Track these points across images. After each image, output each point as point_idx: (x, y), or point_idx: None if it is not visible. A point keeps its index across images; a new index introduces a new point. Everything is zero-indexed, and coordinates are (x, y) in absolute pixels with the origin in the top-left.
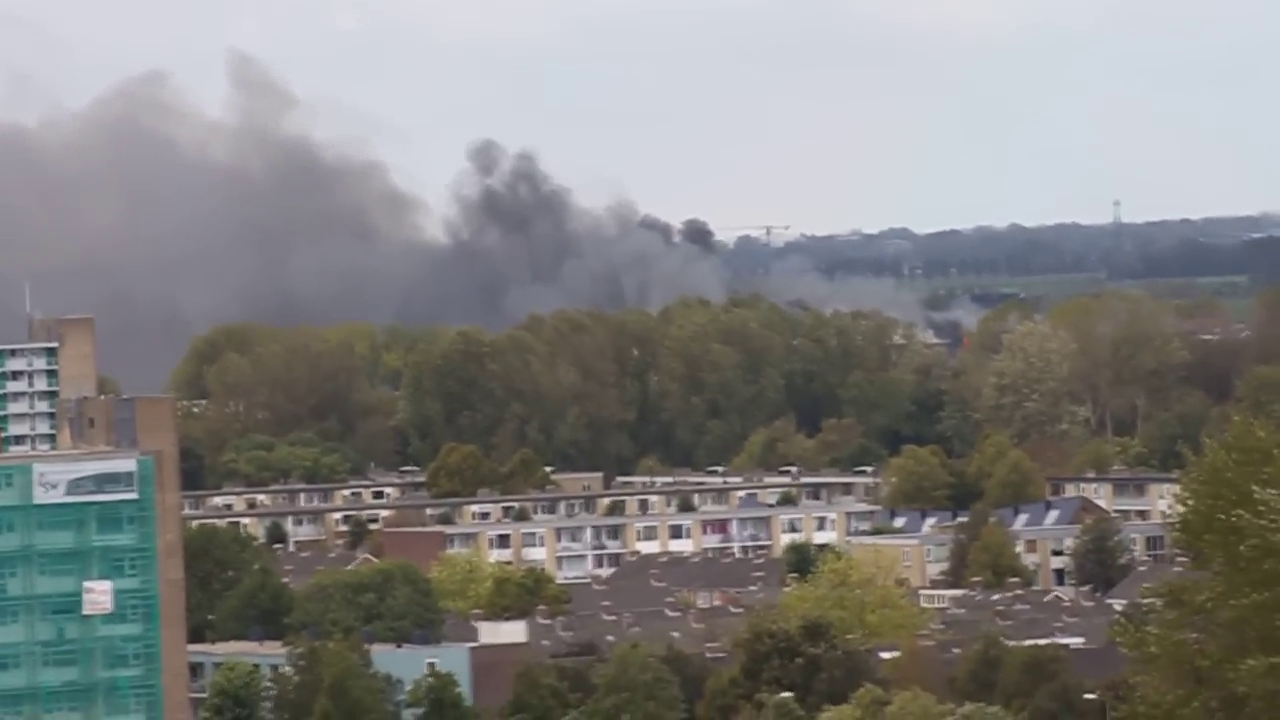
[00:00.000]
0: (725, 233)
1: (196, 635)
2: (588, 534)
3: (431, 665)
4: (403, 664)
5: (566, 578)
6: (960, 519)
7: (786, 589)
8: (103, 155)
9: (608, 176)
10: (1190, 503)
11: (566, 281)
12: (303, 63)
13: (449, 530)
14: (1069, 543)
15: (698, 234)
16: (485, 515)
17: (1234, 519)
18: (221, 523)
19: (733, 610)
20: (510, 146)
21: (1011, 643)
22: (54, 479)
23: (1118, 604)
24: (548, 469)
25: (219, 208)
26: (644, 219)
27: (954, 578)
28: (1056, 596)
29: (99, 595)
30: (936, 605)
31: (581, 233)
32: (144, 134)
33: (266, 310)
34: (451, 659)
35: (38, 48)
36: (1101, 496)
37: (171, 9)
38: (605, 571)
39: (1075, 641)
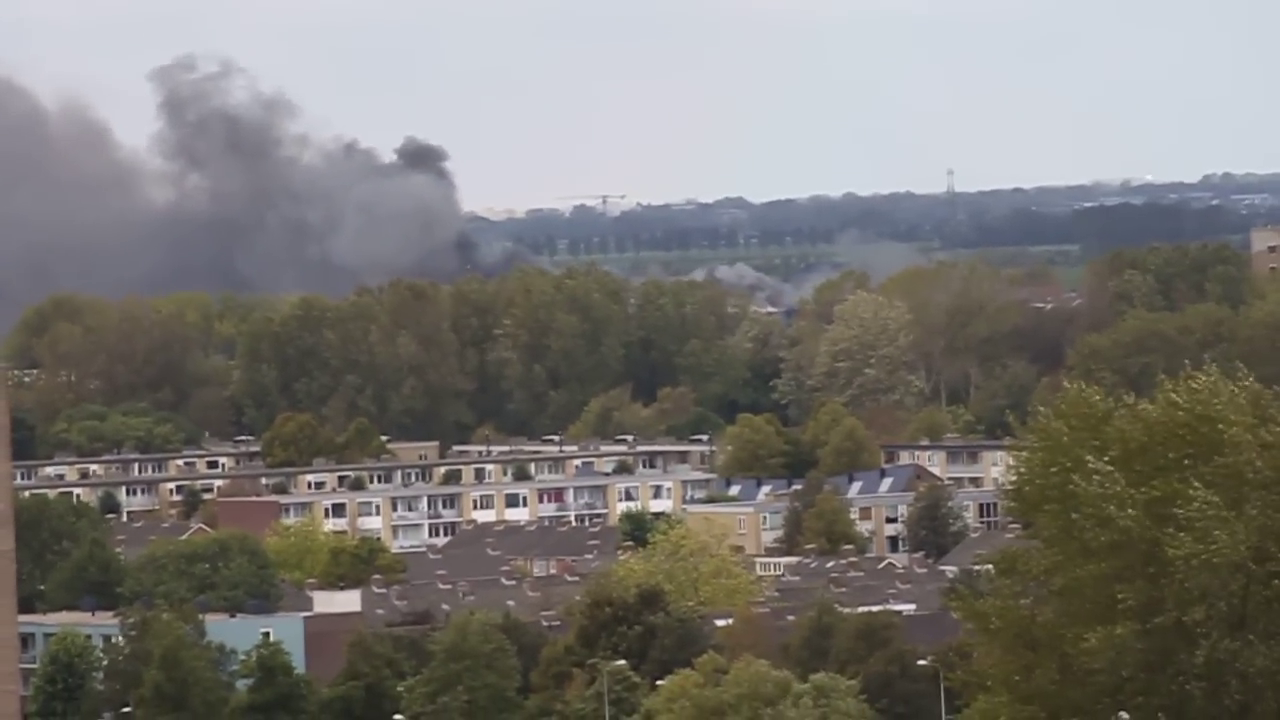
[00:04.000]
0: (562, 202)
1: (27, 606)
2: (423, 503)
3: (266, 635)
4: (237, 634)
5: (402, 547)
6: (795, 487)
7: (622, 557)
8: None
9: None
10: (1024, 470)
11: (274, 229)
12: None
13: (284, 500)
14: (903, 510)
15: (416, 155)
16: (320, 485)
17: (1070, 486)
18: (54, 493)
19: (568, 579)
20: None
21: (846, 609)
22: None
23: (950, 570)
24: (384, 438)
25: None
26: (350, 144)
27: (789, 545)
28: (890, 563)
29: None
30: (771, 573)
31: (291, 166)
32: None
33: None
34: (285, 629)
35: None
36: (935, 464)
37: None
38: (441, 541)
39: (908, 608)
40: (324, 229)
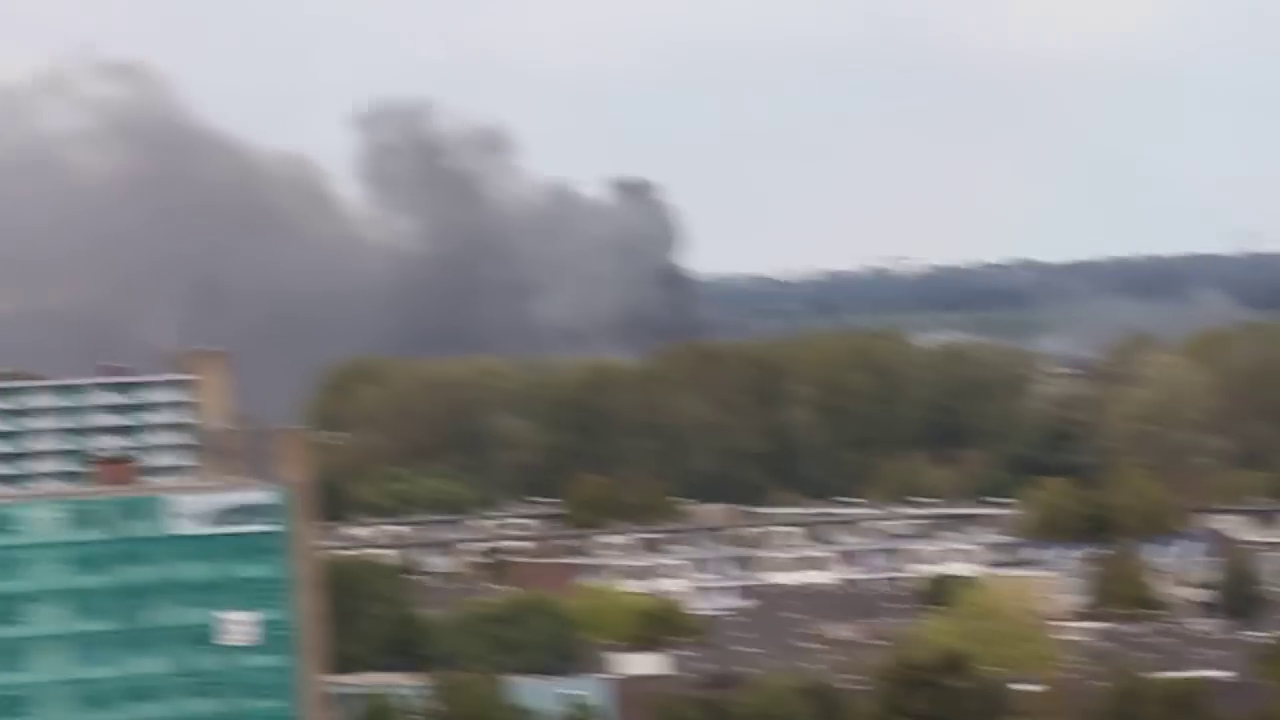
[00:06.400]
0: (857, 263)
1: (334, 666)
2: (722, 565)
3: (570, 697)
4: (539, 695)
5: (701, 609)
6: (1096, 550)
7: (924, 621)
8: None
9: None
10: None
11: (489, 285)
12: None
13: (583, 561)
14: (1206, 574)
15: (630, 189)
16: (619, 546)
17: None
18: (358, 554)
19: (870, 642)
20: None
21: (1152, 675)
22: (192, 511)
23: (1256, 636)
24: (681, 500)
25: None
26: (559, 186)
27: (1090, 610)
28: (1195, 628)
29: (238, 626)
30: (1073, 637)
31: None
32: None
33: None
34: (590, 690)
35: None
36: (1237, 528)
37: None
38: (740, 603)
39: (1215, 674)
40: (538, 280)
